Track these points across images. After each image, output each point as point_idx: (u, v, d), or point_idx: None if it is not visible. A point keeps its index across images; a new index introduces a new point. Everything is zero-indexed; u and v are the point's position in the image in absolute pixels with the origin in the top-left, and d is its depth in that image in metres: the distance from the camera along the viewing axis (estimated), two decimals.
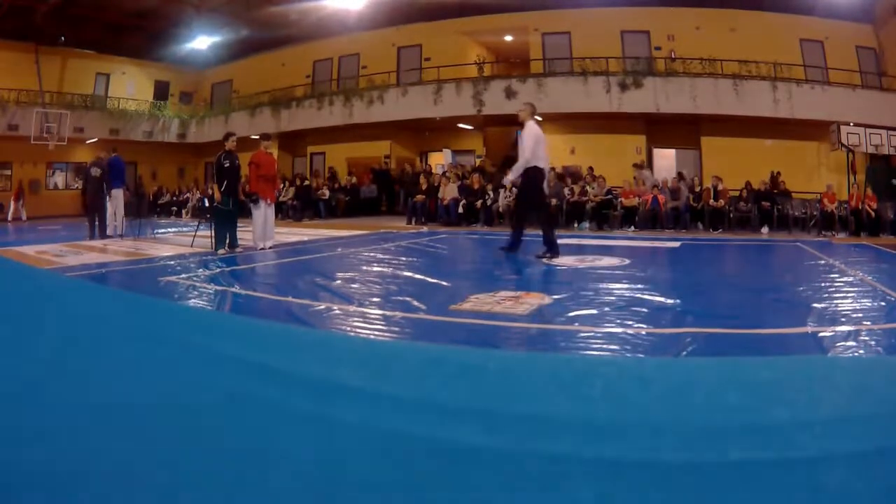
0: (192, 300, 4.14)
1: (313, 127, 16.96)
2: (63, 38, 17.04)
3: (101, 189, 9.30)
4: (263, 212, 7.43)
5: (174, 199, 17.75)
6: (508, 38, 16.69)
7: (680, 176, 12.23)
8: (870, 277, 5.07)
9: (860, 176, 12.30)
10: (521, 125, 6.60)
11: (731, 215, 11.20)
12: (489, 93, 14.38)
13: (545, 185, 6.81)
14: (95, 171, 9.35)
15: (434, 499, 0.78)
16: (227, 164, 7.15)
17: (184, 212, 16.61)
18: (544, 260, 6.11)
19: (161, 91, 20.34)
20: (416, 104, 15.12)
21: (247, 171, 7.77)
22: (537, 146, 6.20)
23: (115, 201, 9.53)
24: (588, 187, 12.00)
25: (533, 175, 6.24)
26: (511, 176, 6.53)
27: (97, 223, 9.27)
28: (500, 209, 12.12)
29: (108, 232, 9.33)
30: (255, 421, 0.97)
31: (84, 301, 1.58)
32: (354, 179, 15.78)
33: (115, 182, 9.51)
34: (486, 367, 1.13)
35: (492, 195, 12.34)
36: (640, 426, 0.84)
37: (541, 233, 6.43)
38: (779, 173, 12.12)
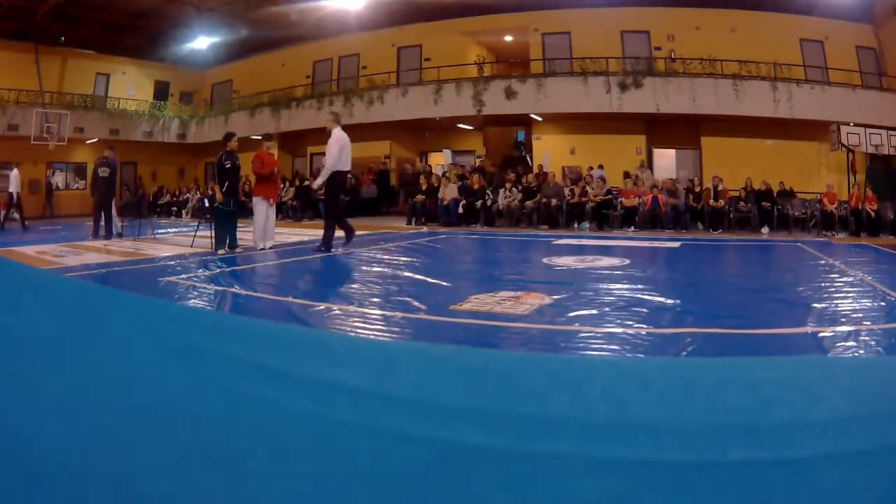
0: (193, 300, 4.14)
1: (313, 127, 16.96)
2: (63, 38, 17.02)
3: (109, 189, 9.34)
4: (264, 212, 7.43)
5: (174, 199, 17.74)
6: (508, 38, 16.69)
7: (627, 175, 12.40)
8: (870, 277, 5.07)
9: (860, 176, 12.30)
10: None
11: (731, 215, 11.20)
12: (489, 93, 14.38)
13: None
14: (104, 171, 9.37)
15: (434, 498, 0.78)
16: (229, 165, 7.15)
17: (184, 212, 16.60)
18: (322, 251, 6.84)
19: (161, 91, 20.33)
20: (416, 104, 15.11)
21: (249, 170, 7.76)
22: (342, 152, 6.85)
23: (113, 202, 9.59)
24: (588, 187, 12.01)
25: (341, 179, 7.01)
26: (319, 180, 7.08)
27: (102, 223, 9.30)
28: (500, 209, 12.13)
29: (113, 231, 9.39)
30: (255, 421, 0.97)
31: (84, 301, 1.58)
32: (353, 180, 15.78)
33: (114, 183, 9.58)
34: (486, 367, 1.13)
35: (491, 195, 12.34)
36: (640, 426, 0.84)
37: (324, 227, 7.19)
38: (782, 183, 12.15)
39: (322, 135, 18.82)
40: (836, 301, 3.97)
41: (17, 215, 14.00)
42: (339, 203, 7.31)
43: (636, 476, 0.77)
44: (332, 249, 7.00)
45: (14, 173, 13.09)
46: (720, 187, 11.11)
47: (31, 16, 15.40)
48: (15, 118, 16.02)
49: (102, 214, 9.32)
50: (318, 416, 0.95)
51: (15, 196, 12.86)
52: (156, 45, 18.43)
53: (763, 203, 10.99)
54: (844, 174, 12.20)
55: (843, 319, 3.41)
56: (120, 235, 9.39)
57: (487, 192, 12.33)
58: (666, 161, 14.87)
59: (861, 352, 2.77)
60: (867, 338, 2.99)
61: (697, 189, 11.50)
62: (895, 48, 13.27)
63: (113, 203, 9.63)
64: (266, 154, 7.58)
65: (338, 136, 6.93)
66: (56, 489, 0.85)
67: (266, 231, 7.44)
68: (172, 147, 20.10)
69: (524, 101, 14.07)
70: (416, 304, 3.89)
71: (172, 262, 6.19)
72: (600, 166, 13.36)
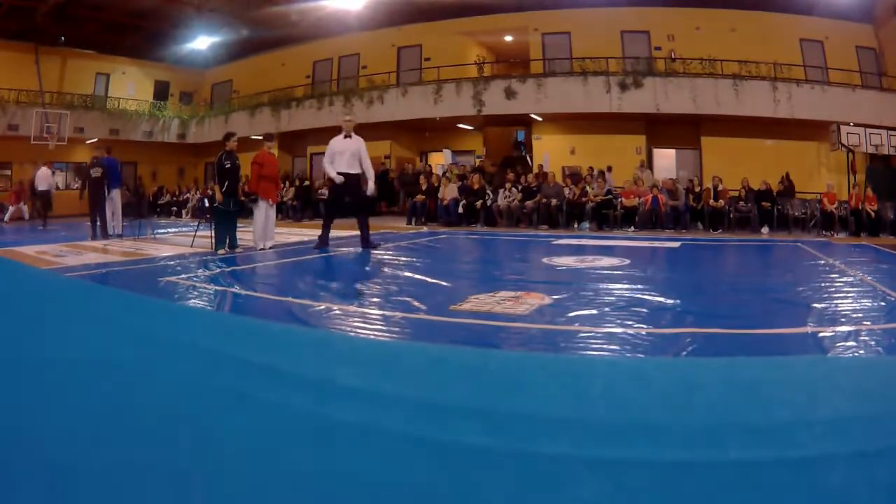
0: (193, 300, 4.14)
1: (313, 127, 16.96)
2: (63, 38, 17.03)
3: (101, 189, 9.35)
4: (264, 212, 7.44)
5: (174, 199, 17.75)
6: (508, 38, 16.69)
7: (600, 173, 12.49)
8: (870, 277, 5.07)
9: (860, 176, 12.31)
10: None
11: (731, 215, 11.20)
12: (489, 93, 14.38)
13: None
14: (96, 172, 9.42)
15: (434, 498, 0.78)
16: (228, 165, 7.15)
17: (184, 212, 16.61)
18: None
19: (161, 91, 20.33)
20: (416, 104, 15.11)
21: (249, 170, 7.76)
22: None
23: (114, 202, 9.62)
24: (588, 187, 12.00)
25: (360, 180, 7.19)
26: (372, 185, 7.32)
27: (98, 223, 9.31)
28: (500, 209, 12.13)
29: (109, 231, 9.37)
30: (255, 421, 0.97)
31: (84, 301, 1.58)
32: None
33: (112, 182, 9.61)
34: (486, 367, 1.13)
35: (491, 195, 12.34)
36: (640, 426, 0.84)
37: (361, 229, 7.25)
38: (787, 174, 12.17)
39: (322, 135, 18.79)
40: (836, 301, 3.97)
41: (27, 213, 14.11)
42: (334, 205, 7.43)
43: (636, 476, 0.77)
44: (328, 248, 7.13)
45: (43, 171, 13.17)
46: (720, 187, 11.12)
47: (31, 16, 15.40)
48: (15, 118, 16.02)
49: (98, 215, 9.37)
50: (318, 416, 0.95)
51: (51, 193, 13.14)
52: (156, 45, 18.43)
53: (763, 203, 11.00)
54: (844, 174, 12.21)
55: (843, 319, 3.40)
56: (120, 235, 9.41)
57: (487, 192, 12.33)
58: (666, 161, 14.87)
59: (861, 352, 2.77)
60: (867, 338, 2.99)
61: (697, 189, 11.51)
62: (895, 48, 13.27)
63: (119, 203, 9.72)
64: (267, 154, 7.58)
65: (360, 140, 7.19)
66: (55, 489, 0.85)
67: (266, 231, 7.44)
68: (172, 147, 20.09)
69: (524, 101, 14.07)
70: (416, 304, 3.89)
71: (172, 262, 6.19)
72: (609, 168, 13.22)
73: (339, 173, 6.96)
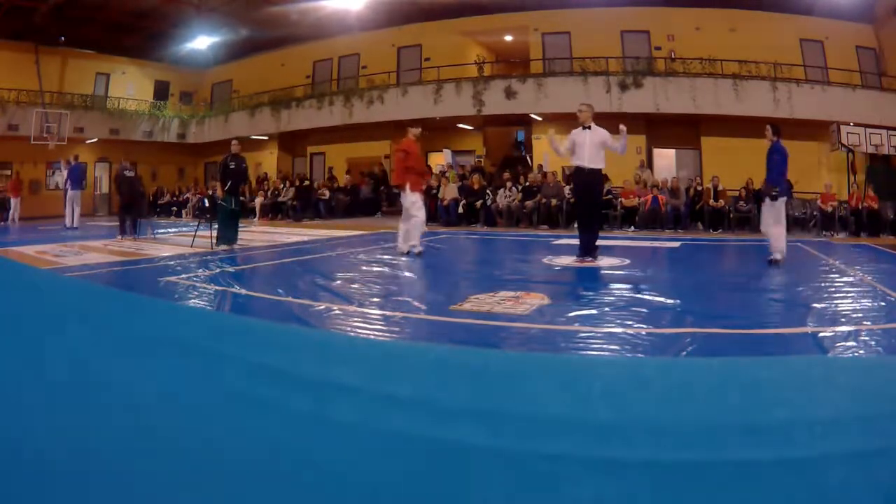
0: (193, 300, 4.14)
1: (313, 127, 16.96)
2: (63, 38, 17.03)
3: (136, 189, 9.77)
4: (422, 206, 6.97)
5: (174, 199, 17.74)
6: (508, 38, 16.70)
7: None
8: (870, 277, 5.07)
9: (860, 176, 12.30)
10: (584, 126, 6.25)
11: (731, 215, 11.20)
12: (489, 93, 14.38)
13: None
14: (129, 172, 9.73)
15: (434, 498, 0.78)
16: (233, 166, 7.36)
17: (184, 212, 16.60)
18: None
19: (161, 91, 20.32)
20: (416, 104, 15.11)
21: (394, 161, 7.30)
22: (573, 146, 6.24)
23: (73, 202, 10.81)
24: None
25: (575, 178, 6.47)
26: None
27: (127, 222, 9.59)
28: (500, 209, 12.12)
29: (71, 223, 10.57)
30: (255, 421, 0.97)
31: (84, 301, 1.58)
32: (349, 178, 15.79)
33: (74, 185, 10.82)
34: (486, 367, 1.13)
35: (491, 195, 12.33)
36: (640, 426, 0.84)
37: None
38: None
39: (323, 135, 18.68)
40: (836, 301, 3.97)
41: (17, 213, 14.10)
42: (580, 206, 6.44)
43: (636, 476, 0.77)
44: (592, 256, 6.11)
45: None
46: (720, 187, 11.12)
47: (31, 16, 15.40)
48: (15, 118, 16.02)
49: (127, 213, 9.72)
50: (318, 416, 0.95)
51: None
52: (156, 45, 18.42)
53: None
54: (844, 174, 12.20)
55: (843, 319, 3.40)
56: (75, 228, 9.91)
57: (487, 192, 12.33)
58: (666, 161, 14.86)
59: (861, 352, 2.77)
60: (867, 338, 2.99)
61: (698, 188, 11.50)
62: (895, 48, 13.27)
63: (69, 202, 10.44)
64: (412, 142, 6.94)
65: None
66: (55, 489, 0.85)
67: (416, 231, 6.92)
68: (172, 147, 20.09)
69: (524, 101, 14.07)
70: (416, 304, 3.89)
71: (172, 262, 6.19)
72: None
73: (578, 167, 6.17)
